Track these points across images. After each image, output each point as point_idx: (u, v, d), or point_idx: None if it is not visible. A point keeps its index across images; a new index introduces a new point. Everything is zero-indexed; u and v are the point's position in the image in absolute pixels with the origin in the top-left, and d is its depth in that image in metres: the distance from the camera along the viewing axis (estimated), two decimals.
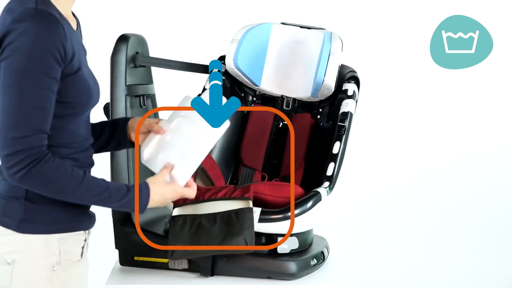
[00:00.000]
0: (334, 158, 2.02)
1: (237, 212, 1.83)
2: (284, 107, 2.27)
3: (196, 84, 2.28)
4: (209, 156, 2.09)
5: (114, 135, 1.79)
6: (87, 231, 1.64)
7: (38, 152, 1.46)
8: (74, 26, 1.60)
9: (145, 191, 1.60)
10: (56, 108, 1.50)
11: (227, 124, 1.72)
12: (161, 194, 1.63)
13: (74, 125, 1.58)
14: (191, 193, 1.69)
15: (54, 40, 1.45)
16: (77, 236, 1.59)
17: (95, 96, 1.61)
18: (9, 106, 1.44)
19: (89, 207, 1.63)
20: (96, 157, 1.73)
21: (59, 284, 1.55)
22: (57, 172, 1.49)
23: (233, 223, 1.82)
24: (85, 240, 1.63)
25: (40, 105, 1.46)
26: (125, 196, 1.57)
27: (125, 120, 1.81)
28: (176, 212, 1.92)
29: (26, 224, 1.52)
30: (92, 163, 1.67)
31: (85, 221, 1.62)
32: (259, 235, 1.91)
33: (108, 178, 1.88)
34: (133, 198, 1.58)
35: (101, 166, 1.88)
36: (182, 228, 1.87)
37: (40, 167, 1.47)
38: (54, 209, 1.54)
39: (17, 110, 1.44)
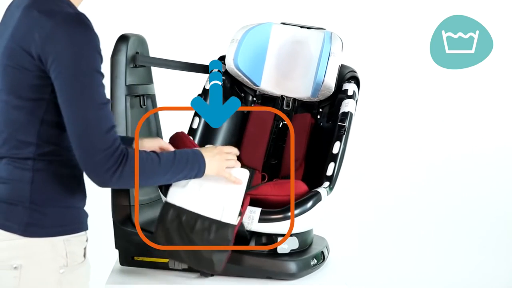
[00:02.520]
0: (334, 158, 2.01)
1: (218, 224, 1.80)
2: (284, 107, 2.27)
3: (196, 84, 2.28)
4: None
5: None
6: (87, 231, 1.63)
7: (121, 146, 1.51)
8: None
9: (199, 154, 1.71)
10: None
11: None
12: (211, 155, 1.75)
13: None
14: (231, 149, 1.84)
15: (97, 41, 1.48)
16: (80, 237, 1.59)
17: None
18: (86, 109, 1.46)
19: (84, 205, 1.62)
20: None
21: (67, 286, 1.54)
22: (141, 160, 1.55)
23: (210, 239, 1.80)
24: (86, 240, 1.63)
25: (106, 101, 1.49)
26: (191, 154, 1.69)
27: None
28: (169, 198, 1.85)
29: (32, 228, 1.51)
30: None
31: (86, 221, 1.62)
32: (259, 235, 1.92)
33: None
34: (201, 156, 1.72)
35: None
36: (166, 216, 1.83)
37: (130, 159, 1.51)
38: (59, 211, 1.54)
39: (94, 111, 1.46)
